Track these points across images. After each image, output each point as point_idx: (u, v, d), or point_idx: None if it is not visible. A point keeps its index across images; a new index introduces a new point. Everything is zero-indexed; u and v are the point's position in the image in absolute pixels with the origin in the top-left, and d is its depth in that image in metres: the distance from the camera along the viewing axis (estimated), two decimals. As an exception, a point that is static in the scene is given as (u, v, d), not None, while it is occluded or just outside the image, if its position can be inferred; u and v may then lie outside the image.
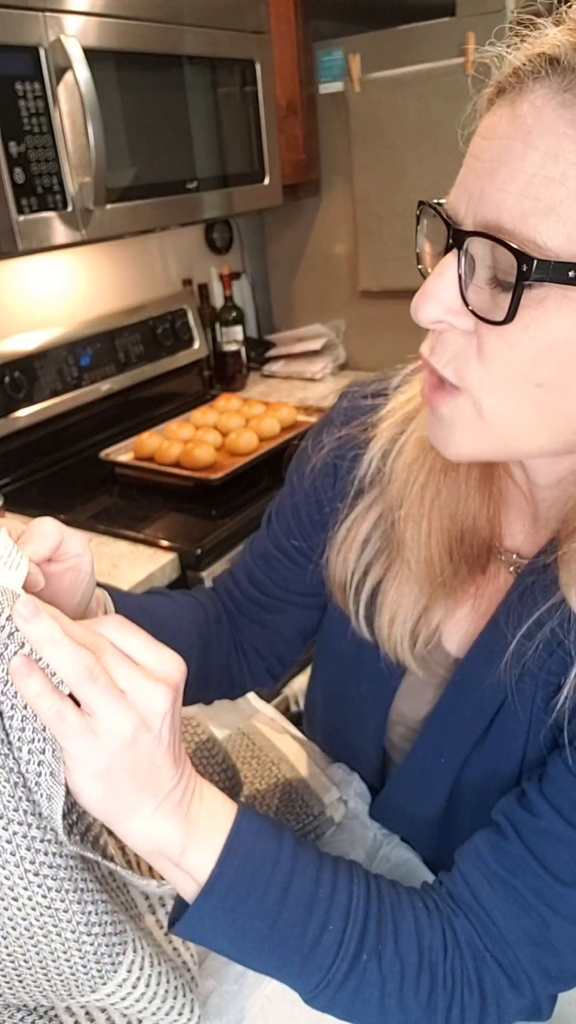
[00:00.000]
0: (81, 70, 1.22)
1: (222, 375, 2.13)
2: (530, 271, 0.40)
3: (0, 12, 1.13)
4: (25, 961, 0.47)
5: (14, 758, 0.43)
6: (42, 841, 0.44)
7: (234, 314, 2.10)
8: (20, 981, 0.49)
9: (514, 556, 0.59)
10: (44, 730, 0.43)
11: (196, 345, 2.01)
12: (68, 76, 1.22)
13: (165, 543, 1.31)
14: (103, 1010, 0.55)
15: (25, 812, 0.43)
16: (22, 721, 0.42)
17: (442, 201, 0.46)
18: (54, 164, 1.26)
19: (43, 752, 0.43)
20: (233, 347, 2.11)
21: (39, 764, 0.43)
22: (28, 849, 0.44)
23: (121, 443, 1.67)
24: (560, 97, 0.39)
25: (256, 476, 1.55)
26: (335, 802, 0.69)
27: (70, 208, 1.30)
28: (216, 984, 0.58)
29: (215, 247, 2.22)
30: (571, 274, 0.39)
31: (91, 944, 0.47)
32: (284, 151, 1.84)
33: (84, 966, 0.48)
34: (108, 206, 1.35)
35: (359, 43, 1.88)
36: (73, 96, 1.24)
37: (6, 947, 0.46)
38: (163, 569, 1.27)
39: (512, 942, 0.51)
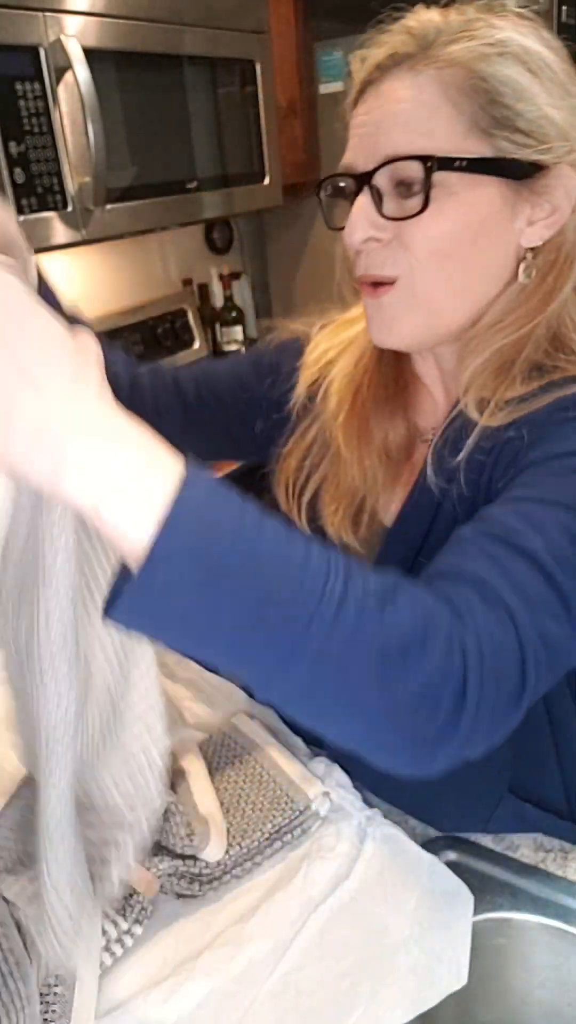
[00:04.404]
0: (81, 70, 1.22)
1: (222, 375, 2.14)
2: (433, 167, 0.54)
3: (0, 12, 1.14)
4: None
5: None
6: None
7: (234, 314, 2.11)
8: None
9: (431, 432, 0.68)
10: None
11: (196, 345, 2.02)
12: (68, 76, 1.23)
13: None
14: None
15: None
16: None
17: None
18: (54, 164, 1.26)
19: None
20: (233, 347, 2.11)
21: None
22: None
23: (121, 442, 1.67)
24: (413, 72, 0.56)
25: (256, 475, 1.55)
26: (320, 796, 0.69)
27: (70, 208, 1.30)
28: (216, 984, 0.58)
29: (215, 247, 2.22)
30: (456, 163, 0.55)
31: None
32: (284, 151, 1.85)
33: None
34: (108, 206, 1.36)
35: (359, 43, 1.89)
36: (73, 96, 1.25)
37: None
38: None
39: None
